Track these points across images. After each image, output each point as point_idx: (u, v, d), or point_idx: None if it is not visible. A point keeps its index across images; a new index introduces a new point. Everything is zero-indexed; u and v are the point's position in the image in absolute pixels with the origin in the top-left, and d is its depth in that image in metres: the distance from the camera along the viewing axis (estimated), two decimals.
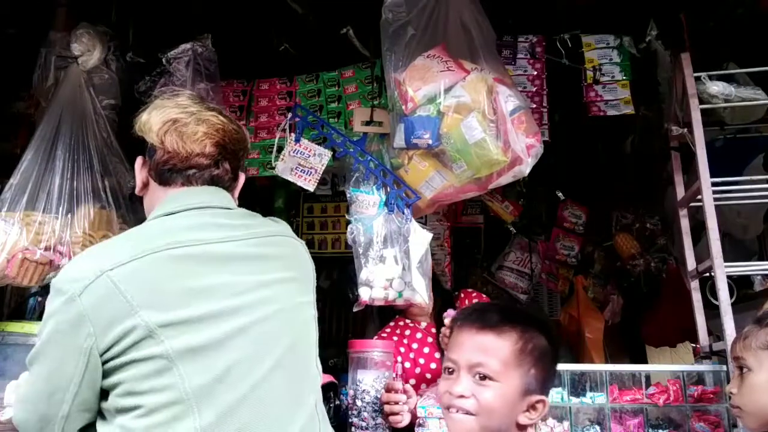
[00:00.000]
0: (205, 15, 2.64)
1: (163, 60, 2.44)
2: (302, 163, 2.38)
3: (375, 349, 1.99)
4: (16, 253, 2.11)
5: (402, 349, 2.25)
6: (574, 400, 1.99)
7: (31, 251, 2.13)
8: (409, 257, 2.18)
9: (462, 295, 2.38)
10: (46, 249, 2.17)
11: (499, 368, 1.26)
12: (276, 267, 1.36)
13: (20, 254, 2.12)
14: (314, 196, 3.74)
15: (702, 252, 2.36)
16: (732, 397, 1.52)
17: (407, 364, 2.22)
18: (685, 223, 2.46)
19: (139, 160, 1.44)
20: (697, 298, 2.35)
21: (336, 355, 3.12)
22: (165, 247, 1.23)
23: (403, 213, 2.22)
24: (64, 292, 1.17)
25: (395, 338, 2.29)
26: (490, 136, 2.01)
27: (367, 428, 1.87)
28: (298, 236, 1.50)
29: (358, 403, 1.89)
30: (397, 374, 1.97)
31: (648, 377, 2.05)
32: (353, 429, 1.89)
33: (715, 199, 2.17)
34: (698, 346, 2.32)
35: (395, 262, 2.18)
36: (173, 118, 1.37)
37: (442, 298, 2.37)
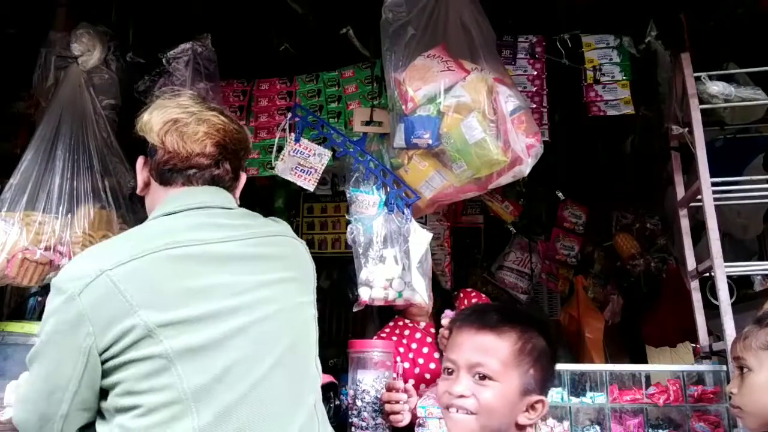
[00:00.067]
0: (205, 15, 2.64)
1: (163, 60, 2.44)
2: (302, 163, 2.38)
3: (375, 349, 1.99)
4: (16, 253, 2.11)
5: (401, 349, 2.25)
6: (574, 400, 1.99)
7: (31, 251, 2.13)
8: (409, 257, 2.18)
9: (461, 295, 2.39)
10: (46, 249, 2.17)
11: (498, 368, 1.27)
12: (276, 267, 1.36)
13: (20, 254, 2.12)
14: (314, 196, 3.74)
15: (702, 252, 2.36)
16: (732, 398, 1.52)
17: (406, 365, 2.22)
18: (685, 223, 2.46)
19: (140, 160, 1.44)
20: (697, 298, 2.35)
21: (336, 355, 3.12)
22: (164, 247, 1.23)
23: (403, 213, 2.22)
24: (64, 291, 1.17)
25: (394, 338, 2.29)
26: (490, 136, 2.01)
27: (367, 428, 1.87)
28: (298, 236, 1.50)
29: (358, 403, 1.89)
30: (398, 374, 1.97)
31: (648, 377, 2.05)
32: (353, 429, 1.89)
33: (715, 199, 2.17)
34: (698, 346, 2.32)
35: (395, 262, 2.18)
36: (174, 118, 1.37)
37: (442, 298, 2.37)
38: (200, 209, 1.33)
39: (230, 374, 1.20)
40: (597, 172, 3.66)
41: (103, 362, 1.16)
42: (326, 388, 1.88)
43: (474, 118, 2.01)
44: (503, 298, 3.79)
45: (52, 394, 1.18)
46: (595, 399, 1.98)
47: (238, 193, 1.48)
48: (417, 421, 1.84)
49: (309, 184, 2.40)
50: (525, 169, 2.05)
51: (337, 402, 1.99)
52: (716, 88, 2.23)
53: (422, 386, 2.13)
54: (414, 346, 2.28)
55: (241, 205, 1.44)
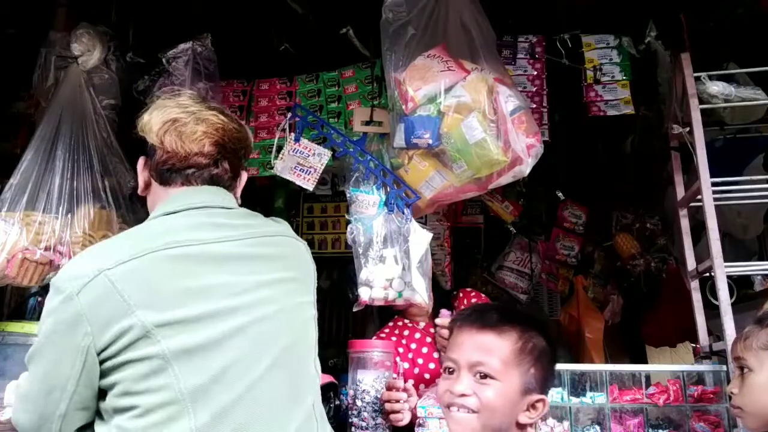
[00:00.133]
0: (205, 15, 2.64)
1: (163, 60, 2.44)
2: (302, 163, 2.39)
3: (375, 349, 1.99)
4: (16, 253, 2.11)
5: (401, 349, 2.25)
6: (574, 400, 1.99)
7: (31, 251, 2.13)
8: (409, 257, 2.18)
9: (461, 295, 2.39)
10: (46, 249, 2.17)
11: (499, 367, 1.28)
12: (276, 267, 1.36)
13: (20, 254, 2.12)
14: (314, 196, 3.75)
15: (702, 252, 2.36)
16: (733, 398, 1.52)
17: (406, 365, 2.22)
18: (685, 223, 2.46)
19: (140, 161, 1.44)
20: (697, 298, 2.35)
21: (336, 355, 3.12)
22: (163, 247, 1.22)
23: (403, 213, 2.22)
24: (63, 290, 1.17)
25: (394, 338, 2.29)
26: (490, 136, 2.00)
27: (367, 428, 1.87)
28: (298, 236, 1.50)
29: (358, 403, 1.89)
30: (398, 374, 1.97)
31: (648, 377, 2.05)
32: (353, 429, 1.89)
33: (715, 199, 2.17)
34: (698, 346, 2.32)
35: (395, 262, 2.18)
36: (173, 117, 1.36)
37: (441, 298, 2.36)
38: (200, 209, 1.33)
39: (227, 374, 1.19)
40: (597, 172, 3.66)
41: (101, 362, 1.16)
42: (326, 388, 1.88)
43: (474, 118, 2.01)
44: (503, 298, 3.78)
45: (51, 393, 1.18)
46: (595, 399, 1.98)
47: (238, 192, 1.48)
48: (417, 421, 1.84)
49: (308, 183, 2.40)
50: (525, 169, 2.05)
51: (337, 402, 1.99)
52: (716, 88, 2.23)
53: (422, 386, 2.13)
54: (413, 346, 2.28)
55: (241, 206, 1.44)
